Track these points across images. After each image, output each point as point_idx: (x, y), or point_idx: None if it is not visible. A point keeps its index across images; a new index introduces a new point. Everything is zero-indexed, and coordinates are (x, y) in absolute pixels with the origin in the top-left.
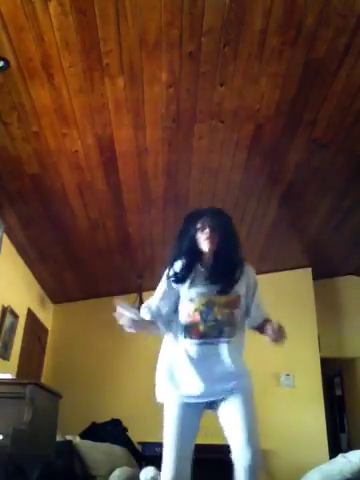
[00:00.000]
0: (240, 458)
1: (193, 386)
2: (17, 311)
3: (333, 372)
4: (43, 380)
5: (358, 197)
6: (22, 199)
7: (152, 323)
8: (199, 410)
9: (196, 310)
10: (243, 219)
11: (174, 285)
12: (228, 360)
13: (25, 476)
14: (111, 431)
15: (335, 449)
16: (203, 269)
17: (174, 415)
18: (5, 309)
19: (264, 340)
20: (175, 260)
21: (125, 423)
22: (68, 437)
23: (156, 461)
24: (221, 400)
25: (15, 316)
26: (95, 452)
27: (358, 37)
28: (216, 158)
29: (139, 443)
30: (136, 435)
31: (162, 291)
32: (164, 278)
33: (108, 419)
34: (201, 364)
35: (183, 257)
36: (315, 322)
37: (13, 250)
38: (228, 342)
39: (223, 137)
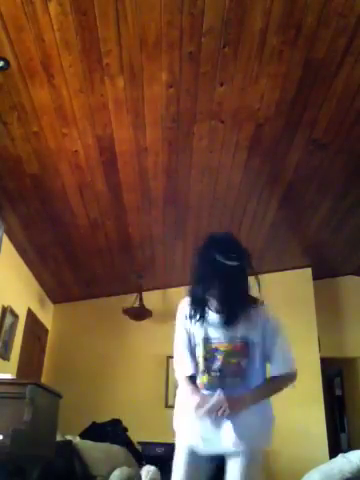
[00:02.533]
0: None
1: (196, 438)
2: (17, 311)
3: (333, 372)
4: (43, 380)
5: (358, 197)
6: (22, 199)
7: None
8: (207, 463)
9: (202, 357)
10: (243, 219)
11: (190, 325)
12: (228, 421)
13: (25, 476)
14: (111, 431)
15: (335, 449)
16: (211, 307)
17: (181, 460)
18: (5, 309)
19: None
20: (195, 295)
21: (125, 423)
22: (68, 437)
23: (156, 461)
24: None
25: (15, 316)
26: (95, 452)
27: (358, 37)
28: (216, 158)
29: (139, 443)
30: (136, 435)
31: (185, 331)
32: (182, 320)
33: (108, 419)
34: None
35: (198, 292)
36: (315, 322)
37: (13, 250)
38: (232, 393)
39: (223, 137)
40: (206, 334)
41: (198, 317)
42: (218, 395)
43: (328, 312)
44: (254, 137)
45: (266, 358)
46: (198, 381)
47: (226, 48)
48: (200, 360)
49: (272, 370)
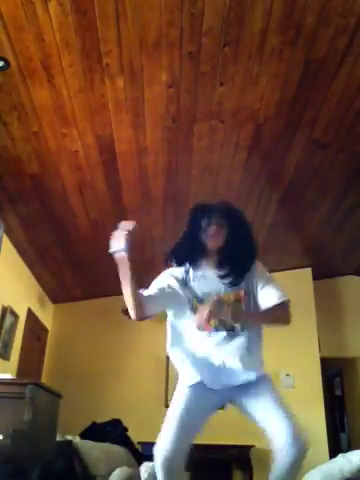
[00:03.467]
0: (286, 454)
1: (206, 376)
2: (17, 311)
3: (333, 372)
4: (43, 380)
5: (358, 197)
6: (22, 199)
7: (139, 295)
8: (215, 400)
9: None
10: None
11: (175, 283)
12: (241, 352)
13: (25, 476)
14: (111, 431)
15: (335, 449)
16: (208, 266)
17: (186, 396)
18: (5, 309)
19: (264, 340)
20: (178, 257)
21: (125, 423)
22: (68, 437)
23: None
24: (241, 393)
25: (15, 316)
26: (95, 452)
27: (358, 37)
28: (216, 158)
29: (139, 443)
30: (136, 435)
31: (160, 284)
32: (165, 274)
33: (108, 419)
34: (210, 356)
35: (188, 254)
36: (315, 322)
37: (13, 250)
38: (235, 336)
39: (223, 137)
40: (207, 287)
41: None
42: (213, 298)
43: (328, 312)
44: (254, 137)
45: (259, 301)
46: (206, 326)
47: (226, 48)
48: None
49: (267, 301)
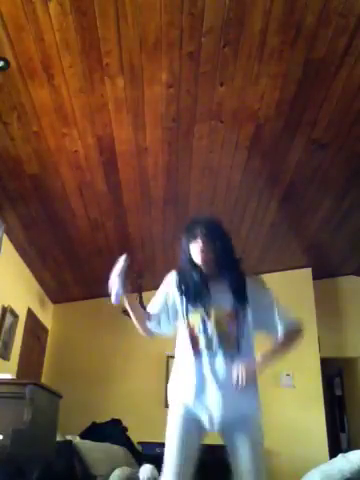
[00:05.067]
0: None
1: (193, 401)
2: (17, 311)
3: (333, 372)
4: (43, 380)
5: (358, 197)
6: (22, 199)
7: (144, 313)
8: (202, 430)
9: (195, 325)
10: (243, 219)
11: (172, 299)
12: (226, 376)
13: (25, 476)
14: (111, 431)
15: (335, 449)
16: (199, 281)
17: (177, 424)
18: (5, 309)
19: (264, 340)
20: (178, 273)
21: (125, 423)
22: (68, 437)
23: (156, 461)
24: (225, 426)
25: (15, 316)
26: (95, 452)
27: (358, 37)
28: (216, 158)
29: (139, 443)
30: (136, 435)
31: (165, 291)
32: (164, 287)
33: (108, 419)
34: (203, 378)
35: (182, 271)
36: (315, 322)
37: (13, 250)
38: (228, 357)
39: (223, 137)
40: (198, 303)
41: (190, 287)
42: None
43: (328, 312)
44: (254, 137)
45: (264, 326)
46: (192, 343)
47: (226, 48)
48: (195, 327)
49: (278, 330)
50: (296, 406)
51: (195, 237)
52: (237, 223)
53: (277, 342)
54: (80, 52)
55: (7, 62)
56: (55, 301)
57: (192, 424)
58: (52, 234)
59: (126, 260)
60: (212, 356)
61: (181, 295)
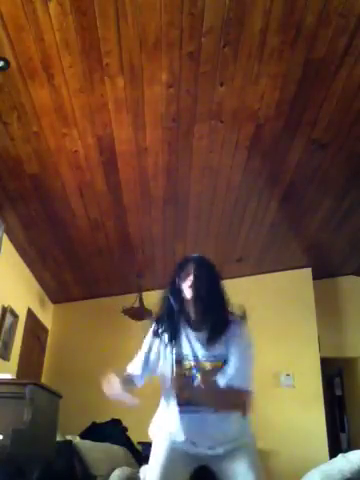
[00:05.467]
0: None
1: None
2: (17, 311)
3: (333, 372)
4: (43, 380)
5: (358, 197)
6: (22, 199)
7: (131, 383)
8: (190, 463)
9: (181, 374)
10: (243, 219)
11: (158, 343)
12: (216, 429)
13: (25, 476)
14: (111, 431)
15: (335, 449)
16: (187, 323)
17: (162, 457)
18: (5, 309)
19: (264, 340)
20: (162, 316)
21: (125, 423)
22: (68, 437)
23: None
24: (218, 460)
25: (15, 316)
26: (95, 452)
27: (358, 37)
28: (216, 158)
29: (139, 443)
30: (136, 435)
31: (148, 345)
32: (150, 334)
33: (108, 419)
34: (190, 429)
35: (170, 312)
36: (315, 322)
37: (13, 250)
38: (214, 411)
39: (223, 137)
40: (186, 350)
41: (171, 335)
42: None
43: (328, 312)
44: (254, 137)
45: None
46: (180, 395)
47: (226, 48)
48: (181, 377)
49: (230, 379)
50: (296, 406)
51: (188, 274)
52: (237, 223)
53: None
54: (80, 52)
55: (7, 62)
56: (55, 301)
57: (178, 456)
58: (52, 234)
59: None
60: (197, 409)
61: (166, 345)
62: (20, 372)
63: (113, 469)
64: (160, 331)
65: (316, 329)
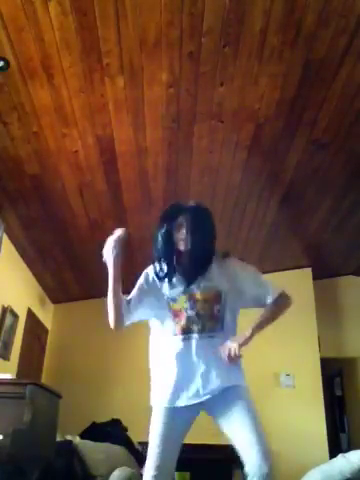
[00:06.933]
0: (257, 472)
1: (180, 387)
2: (17, 311)
3: (333, 372)
4: (43, 380)
5: (358, 197)
6: (22, 199)
7: (122, 301)
8: (191, 413)
9: (180, 308)
10: (243, 219)
11: (153, 285)
12: (213, 355)
13: (25, 476)
14: (111, 431)
15: (335, 449)
16: (181, 268)
17: (161, 420)
18: (5, 309)
19: (264, 340)
20: (156, 259)
21: (125, 423)
22: (68, 437)
23: None
24: (216, 401)
25: (15, 316)
26: (95, 452)
27: (358, 37)
28: (216, 158)
29: (139, 443)
30: (136, 435)
31: (140, 287)
32: (144, 276)
33: (108, 419)
34: (186, 360)
35: (164, 256)
36: (315, 322)
37: (13, 250)
38: (212, 337)
39: (223, 137)
40: (180, 288)
41: (168, 273)
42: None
43: (328, 312)
44: (254, 137)
45: (252, 299)
46: (176, 327)
47: (226, 48)
48: (181, 311)
49: (266, 299)
50: (296, 406)
51: (181, 226)
52: (237, 223)
53: (267, 310)
54: (80, 52)
55: (7, 62)
56: (55, 301)
57: (177, 421)
58: (52, 234)
59: (126, 233)
60: (198, 338)
61: (162, 280)
62: (20, 372)
63: (113, 469)
64: (159, 272)
65: (316, 329)
